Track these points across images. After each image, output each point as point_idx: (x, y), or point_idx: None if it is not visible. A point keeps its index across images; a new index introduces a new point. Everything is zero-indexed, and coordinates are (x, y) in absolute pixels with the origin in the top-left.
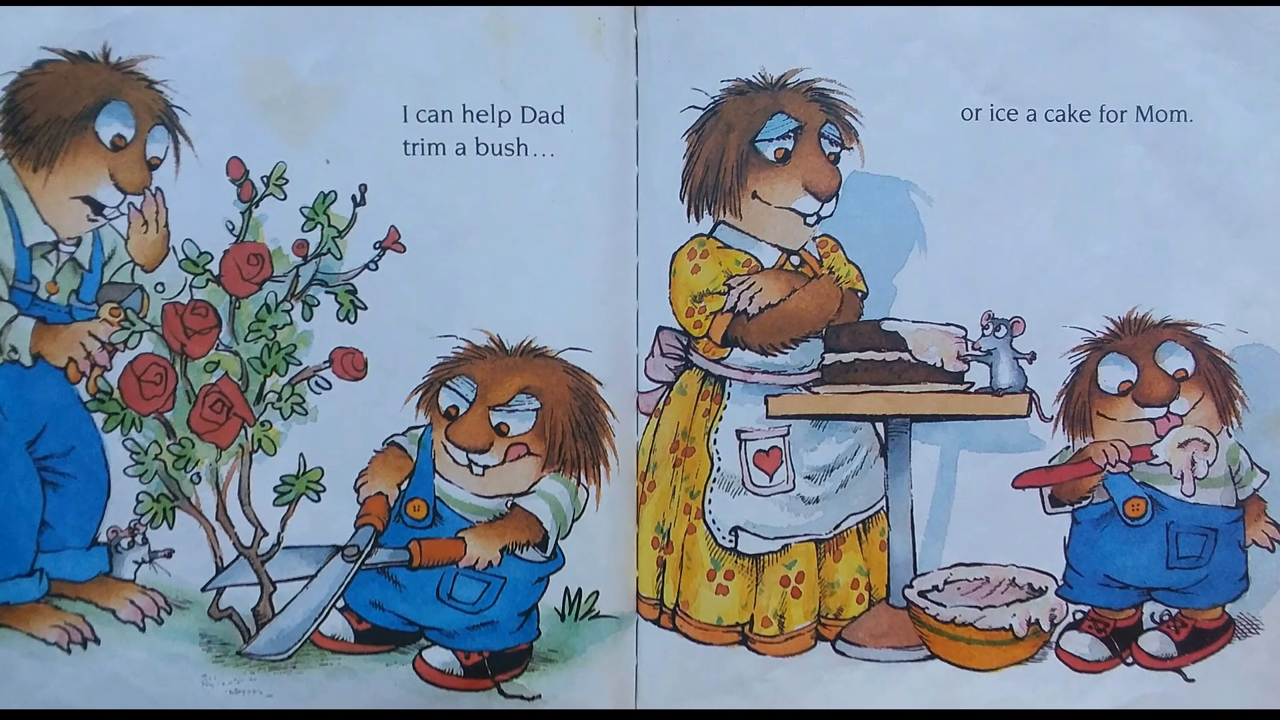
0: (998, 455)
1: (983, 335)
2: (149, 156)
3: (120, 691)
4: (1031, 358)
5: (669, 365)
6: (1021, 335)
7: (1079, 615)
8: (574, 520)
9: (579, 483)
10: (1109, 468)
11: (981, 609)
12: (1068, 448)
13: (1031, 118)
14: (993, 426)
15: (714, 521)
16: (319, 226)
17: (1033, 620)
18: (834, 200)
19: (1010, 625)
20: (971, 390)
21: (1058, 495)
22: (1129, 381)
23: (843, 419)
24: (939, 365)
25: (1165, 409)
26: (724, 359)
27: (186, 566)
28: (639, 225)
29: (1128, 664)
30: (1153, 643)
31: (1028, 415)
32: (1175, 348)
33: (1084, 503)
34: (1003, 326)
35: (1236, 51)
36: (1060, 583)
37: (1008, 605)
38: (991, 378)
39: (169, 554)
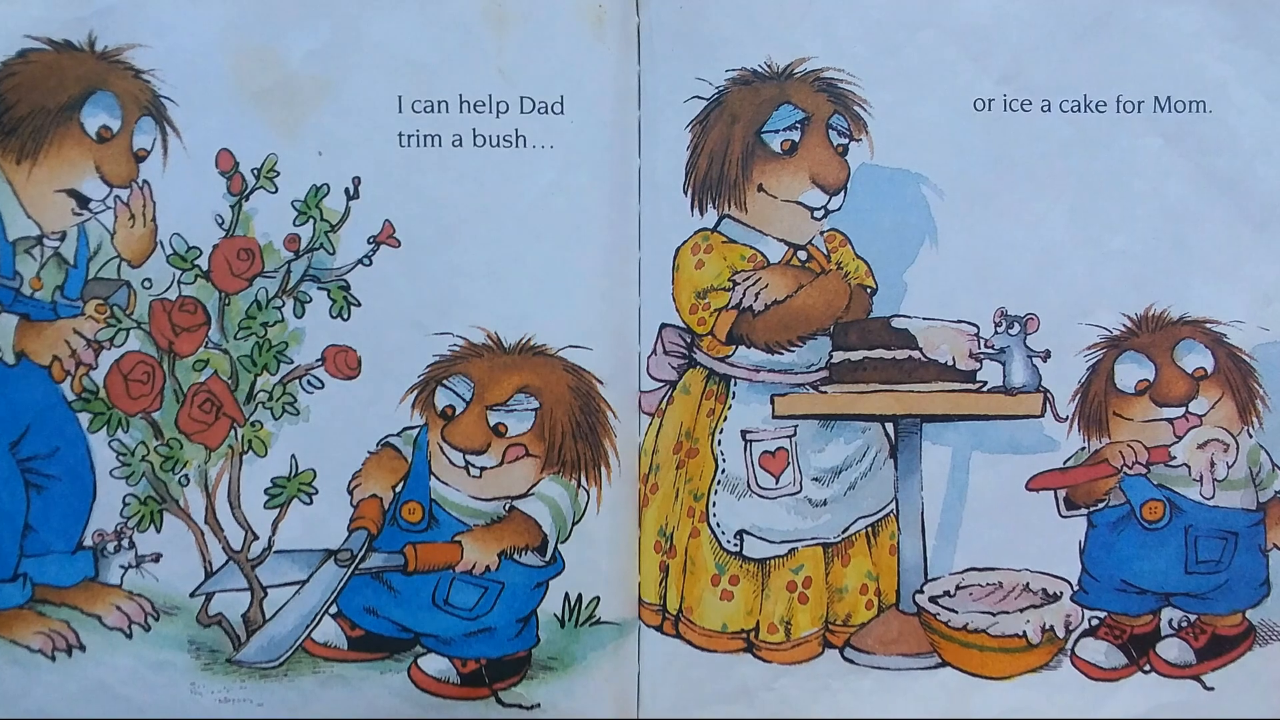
0: (1011, 456)
1: (995, 333)
2: (136, 148)
3: (106, 700)
4: (1046, 356)
5: (672, 363)
6: (1035, 333)
7: (1095, 621)
8: (574, 523)
9: (579, 485)
10: (1125, 469)
11: (994, 615)
12: (1083, 449)
13: (1046, 108)
14: (1006, 427)
15: (718, 525)
16: (311, 220)
17: (1047, 626)
18: (842, 193)
19: (1024, 632)
20: (984, 389)
21: (1073, 498)
22: (1146, 380)
23: (851, 419)
24: (950, 364)
25: (1184, 409)
26: (729, 357)
27: (175, 571)
28: (641, 219)
29: (1145, 672)
30: (1171, 650)
31: (1042, 415)
32: (1194, 345)
33: (1100, 505)
34: (1016, 324)
35: (1257, 40)
36: (1075, 588)
37: (1021, 611)
38: (1005, 376)
39: (156, 558)
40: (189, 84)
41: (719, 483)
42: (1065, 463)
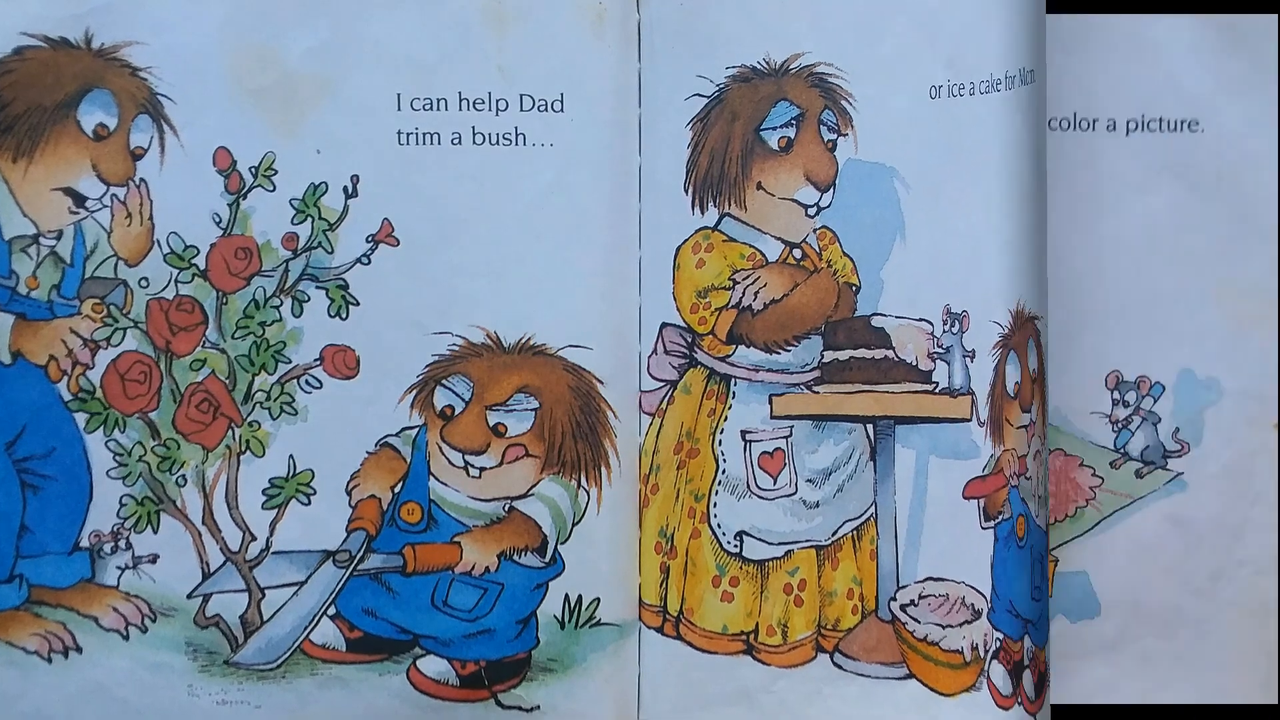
0: (957, 462)
1: (944, 331)
2: (133, 146)
3: (103, 702)
4: (972, 356)
5: (673, 363)
6: (967, 331)
7: (997, 644)
8: (574, 524)
9: (579, 485)
10: (1010, 480)
11: (944, 628)
12: (993, 455)
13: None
14: (952, 430)
15: (719, 525)
16: (309, 219)
17: (974, 644)
18: (831, 190)
19: (962, 648)
20: (936, 391)
21: (988, 508)
22: (1019, 383)
23: (840, 420)
24: (914, 363)
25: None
26: (729, 357)
27: (172, 572)
28: (641, 217)
29: (1024, 706)
30: (1028, 685)
31: (970, 419)
32: (1030, 346)
33: (1000, 517)
34: (955, 322)
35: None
36: (989, 605)
37: (959, 626)
38: (949, 376)
39: (153, 559)
40: (187, 82)
41: (720, 483)
42: (983, 470)
